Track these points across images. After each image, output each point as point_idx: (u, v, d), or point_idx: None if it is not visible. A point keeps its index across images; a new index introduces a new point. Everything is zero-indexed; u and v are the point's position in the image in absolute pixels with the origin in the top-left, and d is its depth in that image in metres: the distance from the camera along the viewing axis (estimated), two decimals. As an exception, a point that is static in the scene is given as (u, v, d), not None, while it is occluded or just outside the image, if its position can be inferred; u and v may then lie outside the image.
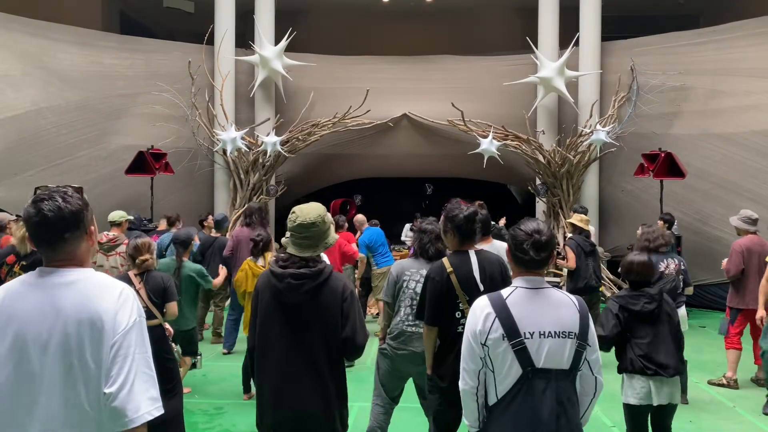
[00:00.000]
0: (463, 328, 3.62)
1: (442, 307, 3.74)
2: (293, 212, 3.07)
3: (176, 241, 6.32)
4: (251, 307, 3.12)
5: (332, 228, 3.16)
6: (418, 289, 4.28)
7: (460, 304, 3.70)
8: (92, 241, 2.12)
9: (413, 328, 4.30)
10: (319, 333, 2.96)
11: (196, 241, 7.63)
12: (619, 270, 4.32)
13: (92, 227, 2.12)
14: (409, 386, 4.65)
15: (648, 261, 4.27)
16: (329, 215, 3.14)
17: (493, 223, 6.59)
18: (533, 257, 2.62)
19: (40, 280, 2.04)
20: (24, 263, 4.41)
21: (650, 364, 3.98)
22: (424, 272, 4.31)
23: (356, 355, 3.05)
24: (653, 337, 4.03)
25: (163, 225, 9.52)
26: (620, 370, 4.13)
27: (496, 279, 3.70)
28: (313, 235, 3.02)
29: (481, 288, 3.66)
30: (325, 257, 5.30)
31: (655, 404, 4.02)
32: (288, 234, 3.07)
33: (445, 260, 3.83)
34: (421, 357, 4.18)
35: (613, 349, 4.17)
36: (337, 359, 3.02)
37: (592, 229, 9.64)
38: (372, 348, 8.26)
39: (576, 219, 7.62)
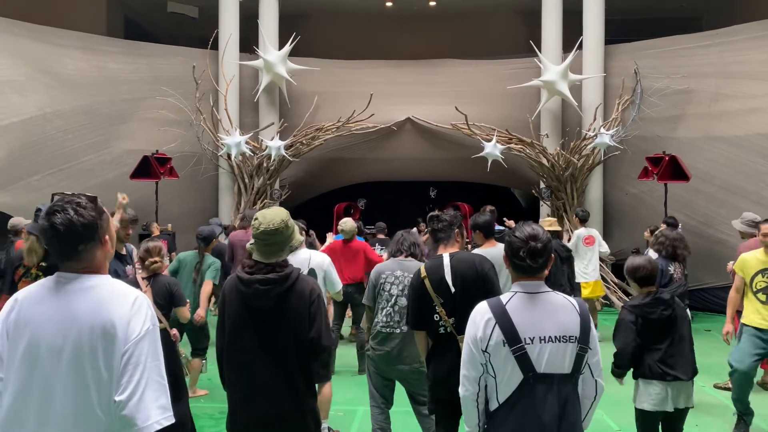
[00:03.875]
0: (444, 330, 3.75)
1: (421, 311, 3.84)
2: (256, 219, 3.09)
3: (199, 236, 6.62)
4: (218, 310, 3.15)
5: (296, 231, 3.18)
6: (393, 291, 4.46)
7: (436, 308, 3.77)
8: (107, 249, 2.13)
9: (387, 329, 4.45)
10: (288, 335, 3.00)
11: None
12: (625, 272, 4.31)
13: (107, 236, 2.12)
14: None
15: (651, 258, 4.32)
16: (291, 220, 3.16)
17: (501, 228, 6.59)
18: (530, 264, 2.61)
19: (58, 286, 2.06)
20: (43, 264, 4.42)
21: (669, 369, 3.98)
22: (398, 273, 4.49)
23: (321, 355, 3.12)
24: (670, 342, 4.03)
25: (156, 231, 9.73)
26: (636, 376, 4.11)
27: (468, 278, 3.73)
28: (278, 241, 3.04)
29: (452, 290, 3.74)
30: (324, 256, 5.33)
31: (670, 410, 4.01)
32: (252, 241, 3.08)
33: (422, 266, 3.95)
34: (396, 357, 4.41)
35: (615, 353, 4.16)
36: (306, 359, 3.06)
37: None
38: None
39: (544, 224, 7.49)
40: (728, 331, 5.57)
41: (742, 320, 5.58)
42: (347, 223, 7.52)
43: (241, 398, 3.06)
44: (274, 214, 3.08)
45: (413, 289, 3.92)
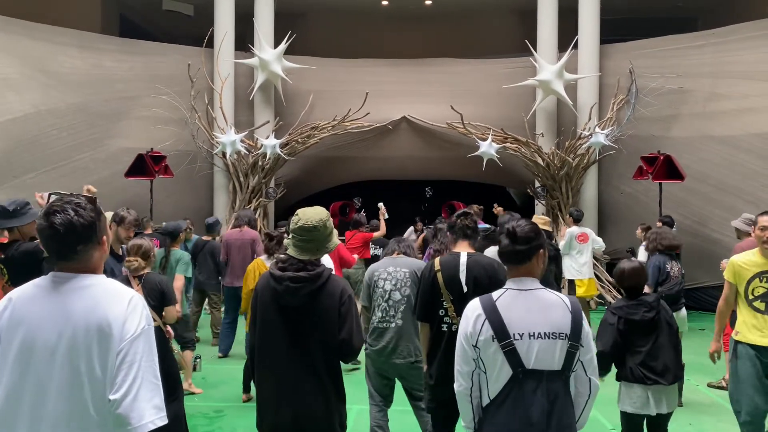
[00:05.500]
0: (446, 327, 3.79)
1: (428, 304, 3.88)
2: (296, 214, 3.12)
3: (164, 232, 6.81)
4: (251, 307, 3.14)
5: (334, 234, 3.19)
6: (387, 287, 4.49)
7: (444, 303, 3.81)
8: (105, 250, 2.14)
9: (383, 324, 4.48)
10: (317, 335, 2.99)
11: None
12: (613, 278, 4.34)
13: (104, 237, 2.13)
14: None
15: (639, 266, 4.29)
16: (331, 221, 3.18)
17: (487, 226, 6.60)
18: (510, 248, 2.66)
19: (53, 285, 2.05)
20: (2, 256, 4.39)
21: (650, 373, 3.97)
22: (390, 269, 4.54)
23: (352, 356, 3.11)
24: (652, 345, 4.01)
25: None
26: (619, 378, 4.12)
27: (481, 282, 3.76)
28: (314, 239, 3.05)
29: (465, 289, 3.76)
30: (328, 259, 5.36)
31: (653, 414, 4.01)
32: (290, 236, 3.09)
33: (436, 260, 3.97)
34: (391, 351, 4.43)
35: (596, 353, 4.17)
36: (335, 360, 3.07)
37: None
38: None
39: (538, 221, 7.49)
40: (716, 350, 4.68)
41: (735, 337, 4.55)
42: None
43: (271, 396, 3.05)
44: (314, 212, 3.10)
45: (424, 280, 3.95)
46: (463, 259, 3.84)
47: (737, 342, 4.51)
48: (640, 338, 4.04)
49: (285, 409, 2.99)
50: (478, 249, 4.25)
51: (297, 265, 3.02)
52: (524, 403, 2.51)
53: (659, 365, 3.99)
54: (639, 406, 4.02)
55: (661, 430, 4.15)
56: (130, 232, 4.95)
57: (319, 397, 2.99)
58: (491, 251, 4.94)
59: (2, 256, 4.34)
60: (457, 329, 3.68)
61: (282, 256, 3.11)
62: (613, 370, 4.18)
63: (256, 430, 3.16)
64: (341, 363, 3.15)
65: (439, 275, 3.83)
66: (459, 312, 3.71)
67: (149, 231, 9.61)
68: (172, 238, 6.70)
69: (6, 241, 4.57)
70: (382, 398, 4.64)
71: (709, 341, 8.18)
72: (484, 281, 3.74)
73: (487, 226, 7.38)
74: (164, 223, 7.31)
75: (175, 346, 5.02)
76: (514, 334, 2.54)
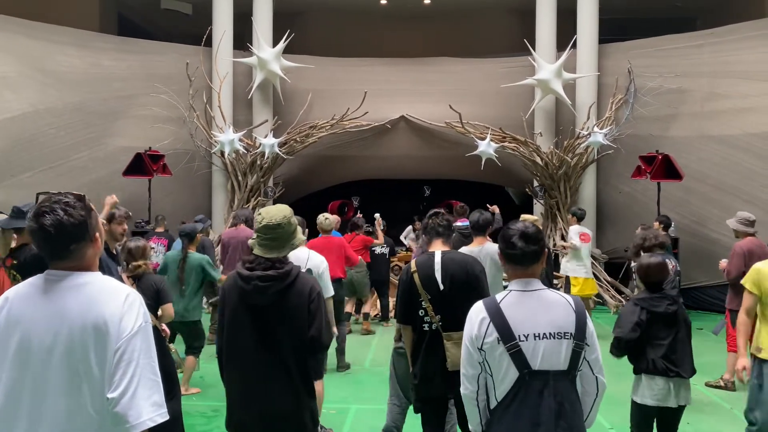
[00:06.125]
0: (427, 326, 3.80)
1: (408, 305, 3.89)
2: (259, 213, 3.12)
3: (182, 233, 6.72)
4: (218, 308, 3.14)
5: (299, 230, 3.19)
6: None
7: (423, 303, 3.81)
8: (98, 246, 2.11)
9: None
10: (286, 333, 2.98)
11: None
12: (634, 273, 4.33)
13: (97, 234, 2.10)
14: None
15: (663, 261, 4.30)
16: (295, 218, 3.18)
17: (465, 223, 6.63)
18: (523, 249, 2.64)
19: (48, 284, 2.04)
20: (15, 262, 4.39)
21: (671, 365, 4.00)
22: None
23: (320, 353, 3.17)
24: (673, 339, 4.05)
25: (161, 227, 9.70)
26: (638, 371, 4.12)
27: (458, 279, 3.78)
28: (279, 237, 3.05)
29: (441, 287, 3.79)
30: (322, 259, 5.33)
31: (674, 406, 4.02)
32: (254, 235, 3.08)
33: (413, 261, 4.00)
34: None
35: (615, 338, 4.16)
36: (304, 358, 3.06)
37: (589, 231, 9.64)
38: (369, 351, 8.30)
39: (528, 219, 7.50)
40: (745, 366, 4.16)
41: (759, 354, 4.16)
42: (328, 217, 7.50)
43: (240, 396, 3.04)
44: (277, 210, 3.10)
45: (402, 283, 3.97)
46: (438, 258, 3.86)
47: (762, 361, 4.13)
48: (662, 330, 4.05)
49: (254, 407, 2.99)
50: (453, 246, 4.26)
51: (265, 264, 3.01)
52: (532, 404, 2.50)
53: (679, 358, 4.02)
54: (661, 398, 4.02)
55: (674, 425, 4.17)
56: (123, 225, 4.90)
57: (289, 395, 2.99)
58: (466, 250, 4.95)
59: (15, 262, 4.33)
60: (437, 328, 3.77)
61: (248, 256, 3.09)
62: (629, 366, 4.18)
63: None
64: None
65: (416, 276, 3.85)
66: (437, 311, 3.77)
67: (161, 229, 9.63)
68: (189, 240, 6.68)
69: (16, 245, 4.56)
70: (407, 399, 4.62)
71: (707, 341, 8.18)
72: (461, 278, 3.77)
73: (465, 223, 7.41)
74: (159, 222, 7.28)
75: (173, 345, 5.01)
76: (519, 336, 2.53)
